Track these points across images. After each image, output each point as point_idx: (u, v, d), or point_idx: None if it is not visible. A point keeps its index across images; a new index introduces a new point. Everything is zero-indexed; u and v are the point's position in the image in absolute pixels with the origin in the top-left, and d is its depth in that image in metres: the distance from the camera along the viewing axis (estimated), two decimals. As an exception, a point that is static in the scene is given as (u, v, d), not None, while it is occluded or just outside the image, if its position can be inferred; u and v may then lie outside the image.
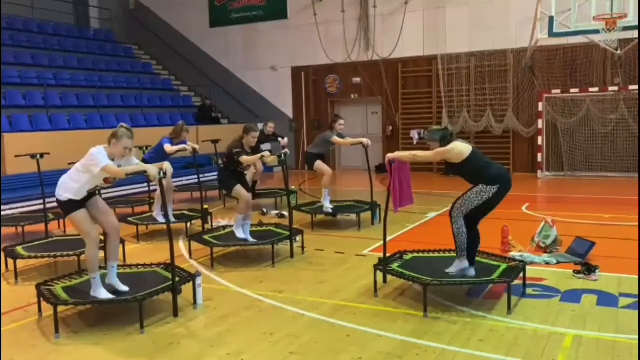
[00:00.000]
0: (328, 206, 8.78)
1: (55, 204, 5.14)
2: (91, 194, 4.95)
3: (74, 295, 4.86)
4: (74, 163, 5.00)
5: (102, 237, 5.21)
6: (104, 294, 4.86)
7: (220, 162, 8.44)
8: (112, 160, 4.78)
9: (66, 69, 15.79)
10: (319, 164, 9.10)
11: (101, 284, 4.89)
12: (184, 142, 8.56)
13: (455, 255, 5.29)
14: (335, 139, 8.96)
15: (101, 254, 5.28)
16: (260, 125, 9.67)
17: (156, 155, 8.21)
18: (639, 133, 13.11)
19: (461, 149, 5.04)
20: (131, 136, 4.81)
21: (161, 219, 8.21)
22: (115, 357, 4.15)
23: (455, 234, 5.12)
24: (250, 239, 6.97)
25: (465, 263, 5.14)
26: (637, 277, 5.42)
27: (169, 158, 8.00)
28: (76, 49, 17.19)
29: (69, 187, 4.82)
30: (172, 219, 8.25)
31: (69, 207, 4.83)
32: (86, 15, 20.27)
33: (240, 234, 7.05)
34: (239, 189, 7.08)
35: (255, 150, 7.35)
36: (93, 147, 4.78)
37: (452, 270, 5.20)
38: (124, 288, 4.99)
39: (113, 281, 4.99)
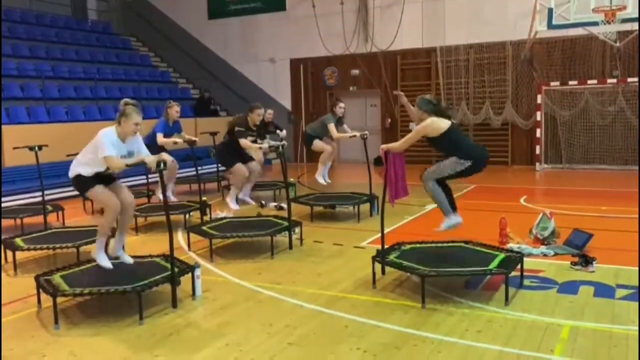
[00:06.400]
0: (322, 181, 8.81)
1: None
2: (105, 177, 5.06)
3: (73, 286, 4.86)
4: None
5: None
6: (104, 260, 5.08)
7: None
8: (124, 140, 4.93)
9: (64, 61, 15.73)
10: (317, 143, 9.07)
11: (103, 249, 5.09)
12: (177, 124, 8.52)
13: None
14: (332, 127, 8.81)
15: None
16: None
17: (153, 142, 8.18)
18: (639, 125, 13.11)
19: (439, 123, 5.20)
20: (139, 111, 5.01)
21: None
22: (115, 347, 4.17)
23: (432, 196, 5.29)
24: (250, 200, 7.04)
25: (452, 218, 5.27)
26: (634, 268, 5.45)
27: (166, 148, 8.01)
28: (74, 41, 17.12)
29: (76, 165, 5.02)
30: (172, 197, 8.36)
31: (80, 183, 4.99)
32: (84, 6, 20.17)
33: (234, 206, 7.14)
34: (238, 167, 7.10)
35: (259, 133, 7.34)
36: (99, 133, 4.90)
37: (442, 227, 5.37)
38: (129, 260, 5.21)
39: (119, 253, 5.20)
